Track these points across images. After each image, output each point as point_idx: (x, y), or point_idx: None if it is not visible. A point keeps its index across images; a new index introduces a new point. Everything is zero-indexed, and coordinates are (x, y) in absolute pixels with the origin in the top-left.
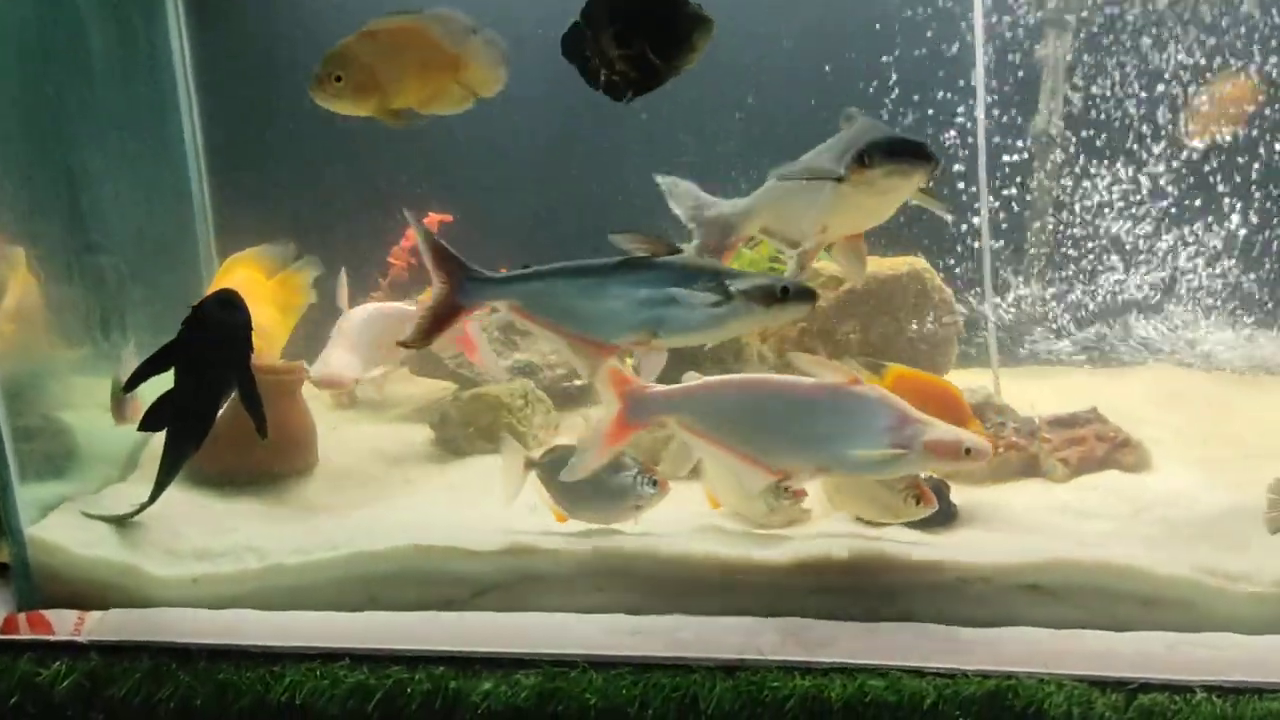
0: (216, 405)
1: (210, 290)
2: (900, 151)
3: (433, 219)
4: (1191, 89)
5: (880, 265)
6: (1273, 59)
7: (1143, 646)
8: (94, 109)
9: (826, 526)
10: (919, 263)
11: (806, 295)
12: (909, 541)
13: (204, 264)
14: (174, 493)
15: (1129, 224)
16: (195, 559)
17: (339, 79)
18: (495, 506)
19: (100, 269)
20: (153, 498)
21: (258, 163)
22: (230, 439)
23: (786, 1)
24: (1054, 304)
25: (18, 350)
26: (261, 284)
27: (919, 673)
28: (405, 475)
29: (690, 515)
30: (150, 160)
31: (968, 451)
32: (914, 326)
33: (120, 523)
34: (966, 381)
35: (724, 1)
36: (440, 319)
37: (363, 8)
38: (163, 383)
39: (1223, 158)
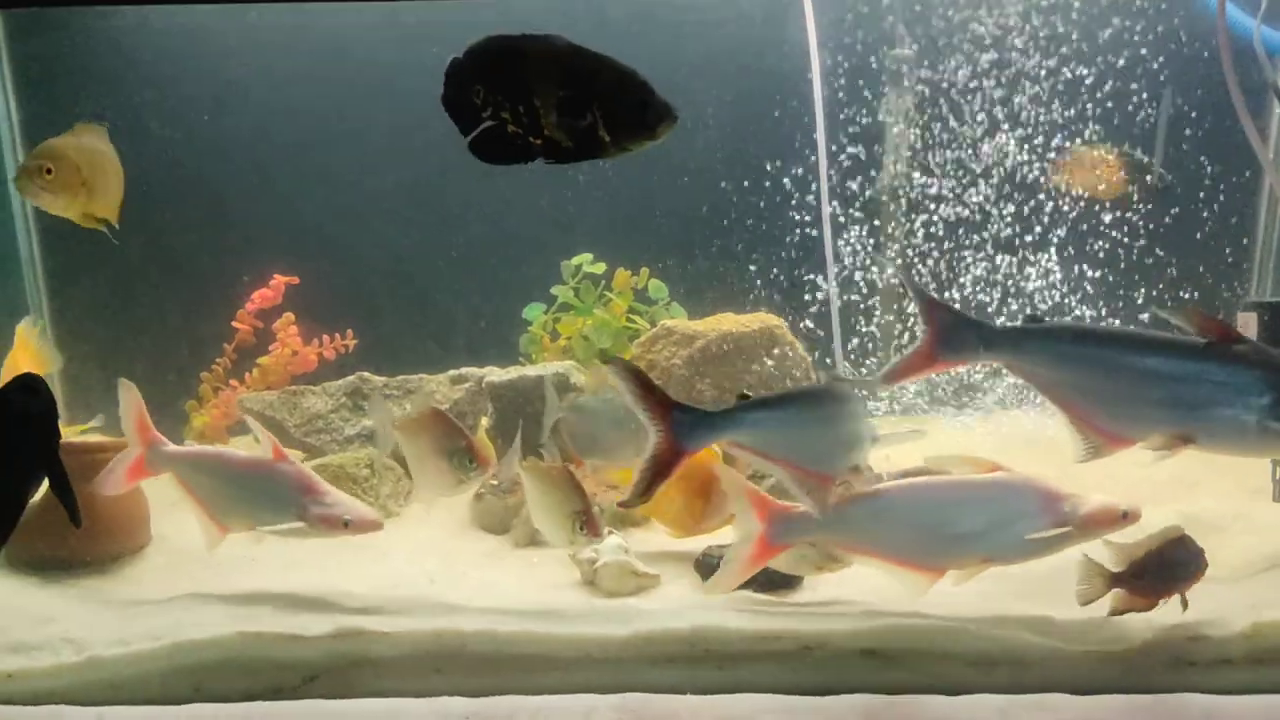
0: (23, 497)
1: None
2: None
3: (279, 281)
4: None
5: (734, 322)
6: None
7: (977, 711)
8: None
9: (673, 593)
10: (772, 319)
11: None
12: (751, 608)
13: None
14: None
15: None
16: (9, 652)
17: (49, 171)
18: (339, 580)
19: None
20: None
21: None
22: (51, 521)
23: None
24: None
25: None
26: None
27: None
28: (247, 553)
29: (531, 589)
30: None
31: (1124, 515)
32: (765, 376)
33: None
34: None
35: None
36: (662, 469)
37: (201, 80)
38: None
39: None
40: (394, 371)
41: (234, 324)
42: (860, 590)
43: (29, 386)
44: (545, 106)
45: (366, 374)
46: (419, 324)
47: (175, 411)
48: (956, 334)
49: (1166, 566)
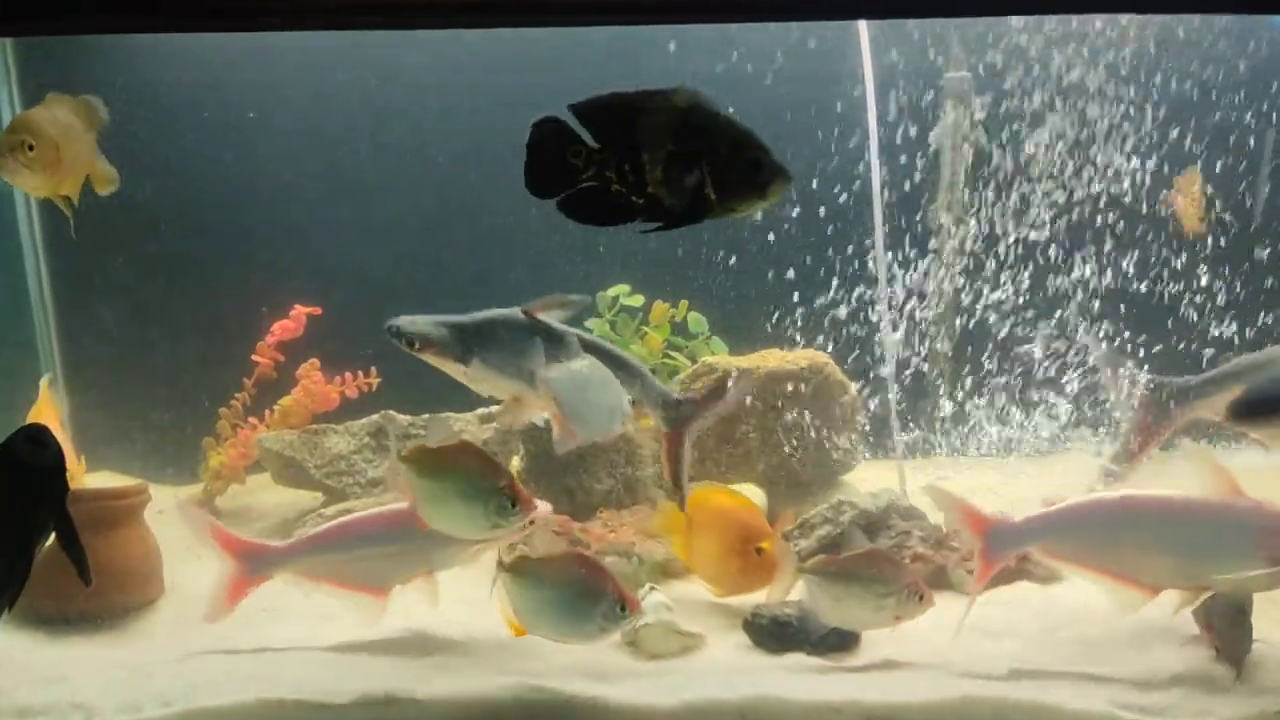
0: (31, 553)
1: None
2: None
3: (299, 312)
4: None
5: (779, 359)
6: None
7: None
8: None
9: (719, 655)
10: (819, 356)
11: None
12: (808, 673)
13: (44, 364)
14: None
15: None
16: (15, 716)
17: (31, 148)
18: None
19: None
20: None
21: (101, 259)
22: (58, 575)
23: None
24: (962, 396)
25: None
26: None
27: None
28: (266, 604)
29: (568, 649)
30: None
31: None
32: (814, 422)
33: None
34: (873, 479)
35: None
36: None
37: (202, 101)
38: None
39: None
40: (419, 410)
41: (254, 357)
42: (922, 652)
43: (35, 438)
44: (653, 163)
45: (391, 413)
46: None
47: (192, 449)
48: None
49: None
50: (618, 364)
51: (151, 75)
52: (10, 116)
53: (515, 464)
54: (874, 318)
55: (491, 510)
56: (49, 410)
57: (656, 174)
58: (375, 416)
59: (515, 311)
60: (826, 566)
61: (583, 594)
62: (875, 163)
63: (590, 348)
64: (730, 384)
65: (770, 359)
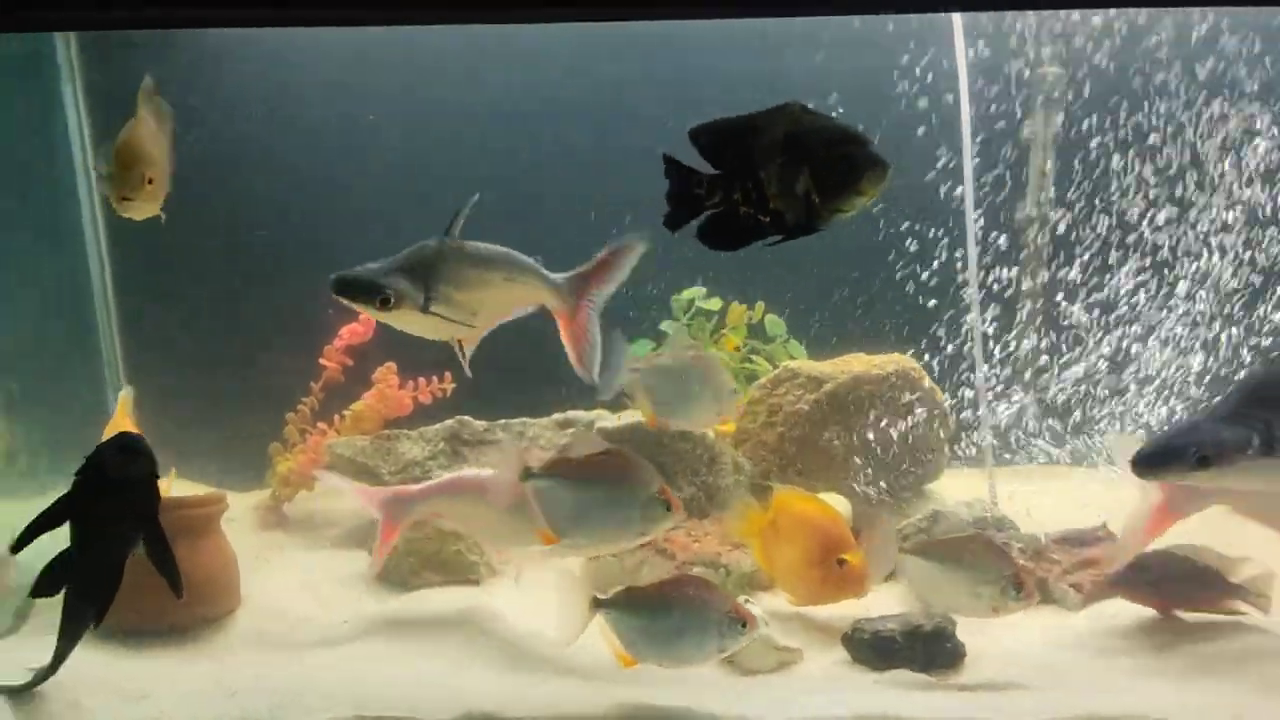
0: (120, 565)
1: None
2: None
3: (368, 316)
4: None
5: (865, 364)
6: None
7: None
8: None
9: (816, 670)
10: (907, 361)
11: None
12: (915, 688)
13: (108, 369)
14: (77, 648)
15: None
16: None
17: (151, 181)
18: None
19: None
20: (53, 667)
21: (165, 260)
22: (139, 585)
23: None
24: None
25: None
26: None
27: None
28: (341, 615)
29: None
30: (44, 261)
31: None
32: (901, 429)
33: (17, 695)
34: (958, 487)
35: None
36: None
37: (262, 94)
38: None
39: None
40: (492, 415)
41: (321, 361)
42: (1028, 670)
43: (128, 447)
44: (769, 179)
45: (466, 418)
46: (519, 363)
47: (255, 454)
48: None
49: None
50: (491, 262)
51: (214, 71)
52: (74, 116)
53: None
54: (963, 321)
55: (644, 516)
56: (127, 423)
57: (774, 189)
58: (449, 422)
59: (433, 242)
60: (928, 547)
61: (696, 615)
62: (968, 160)
63: (462, 251)
64: (622, 250)
65: (855, 363)
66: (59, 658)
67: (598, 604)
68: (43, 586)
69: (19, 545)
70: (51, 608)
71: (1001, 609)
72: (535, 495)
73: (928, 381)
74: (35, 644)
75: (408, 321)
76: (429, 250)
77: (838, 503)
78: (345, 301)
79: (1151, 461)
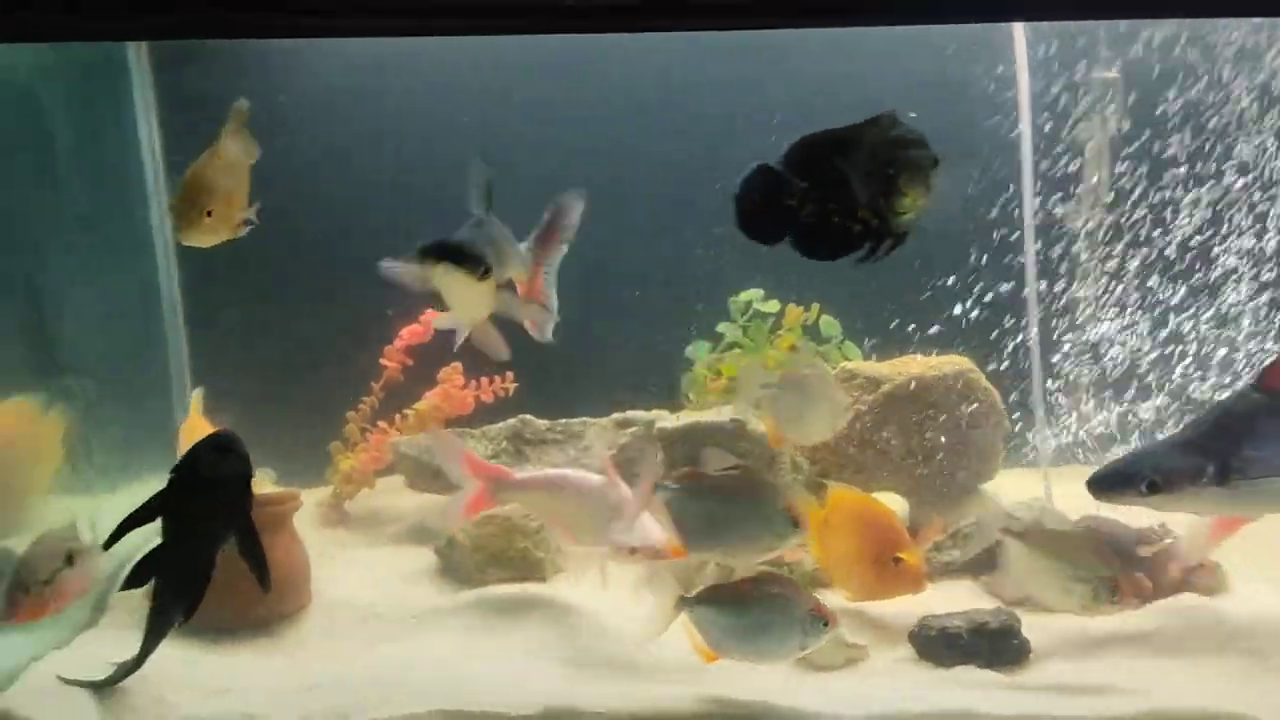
0: (212, 562)
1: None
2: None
3: (429, 316)
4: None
5: (923, 365)
6: None
7: None
8: (58, 212)
9: (883, 666)
10: (964, 362)
11: None
12: (988, 685)
13: (174, 375)
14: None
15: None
16: None
17: (210, 214)
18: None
19: (67, 391)
20: (138, 662)
21: (232, 262)
22: (222, 582)
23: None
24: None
25: None
26: None
27: None
28: (410, 611)
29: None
30: (116, 264)
31: None
32: (958, 430)
33: (101, 689)
34: (1011, 487)
35: None
36: None
37: (336, 95)
38: None
39: None
40: (554, 414)
41: (382, 361)
42: (1098, 667)
43: (224, 446)
44: (858, 188)
45: (528, 417)
46: (577, 362)
47: (312, 451)
48: None
49: None
50: (510, 238)
51: (283, 78)
52: (145, 126)
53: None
54: (1020, 321)
55: (772, 533)
56: (201, 424)
57: (860, 199)
58: (511, 421)
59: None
60: (1032, 534)
61: (780, 613)
62: (1028, 161)
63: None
64: (563, 210)
65: (913, 365)
66: (145, 653)
67: (684, 601)
68: (134, 579)
69: (111, 541)
70: (128, 603)
71: (1091, 609)
72: (667, 507)
73: (985, 382)
74: (113, 638)
75: (477, 297)
76: (487, 226)
77: (895, 502)
78: (442, 267)
79: (1103, 485)
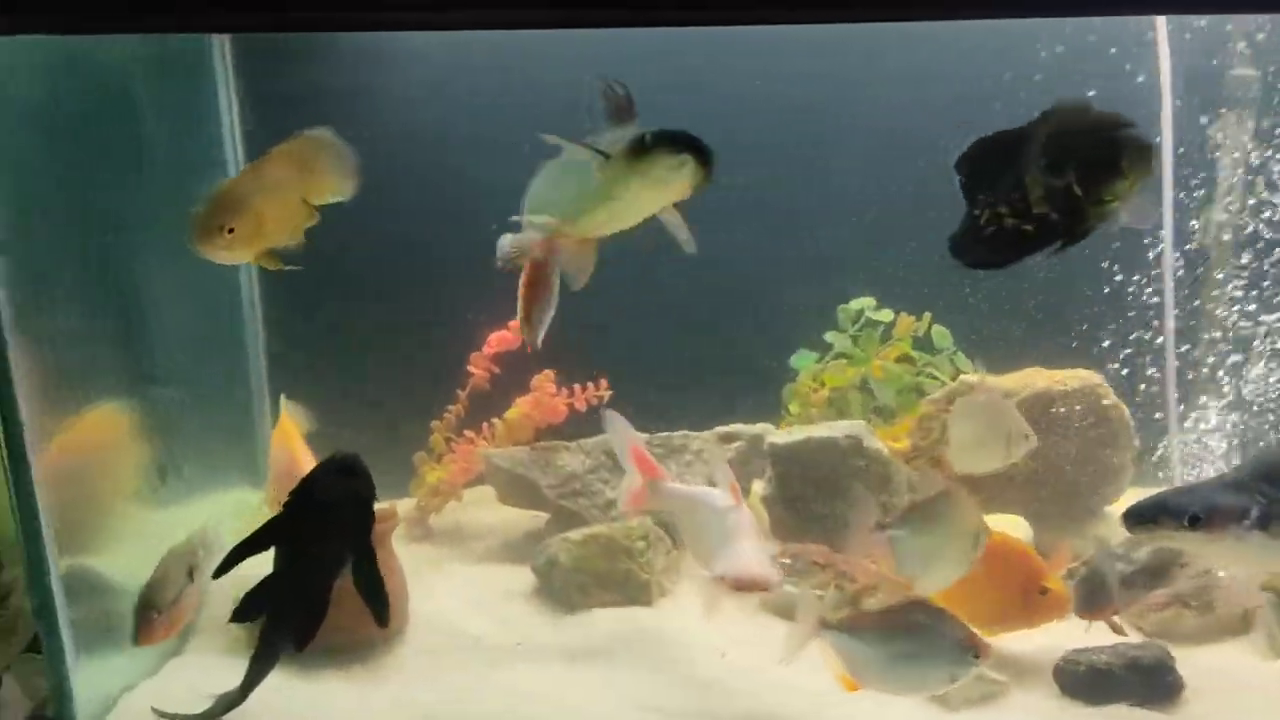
0: (328, 592)
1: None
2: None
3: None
4: None
5: (1049, 379)
6: None
7: None
8: (148, 212)
9: (1027, 702)
10: (1092, 376)
11: None
12: None
13: (254, 384)
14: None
15: None
16: None
17: (231, 231)
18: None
19: (156, 402)
20: (243, 694)
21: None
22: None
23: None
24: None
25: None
26: None
27: None
28: (512, 637)
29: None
30: (199, 270)
31: None
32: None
33: None
34: None
35: None
36: None
37: (424, 96)
38: None
39: None
40: (650, 426)
41: (469, 368)
42: (1257, 703)
43: (348, 468)
44: (1033, 184)
45: None
46: (677, 373)
47: (394, 461)
48: None
49: None
50: None
51: (365, 76)
52: (228, 122)
53: (759, 489)
54: (1151, 335)
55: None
56: (293, 430)
57: (1038, 193)
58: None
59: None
60: None
61: (927, 643)
62: (1168, 164)
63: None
64: None
65: (1038, 379)
66: (249, 685)
67: (825, 626)
68: (244, 612)
69: (222, 569)
70: (210, 628)
71: None
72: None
73: (1111, 396)
74: (198, 664)
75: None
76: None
77: (1017, 524)
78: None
79: (1142, 517)
